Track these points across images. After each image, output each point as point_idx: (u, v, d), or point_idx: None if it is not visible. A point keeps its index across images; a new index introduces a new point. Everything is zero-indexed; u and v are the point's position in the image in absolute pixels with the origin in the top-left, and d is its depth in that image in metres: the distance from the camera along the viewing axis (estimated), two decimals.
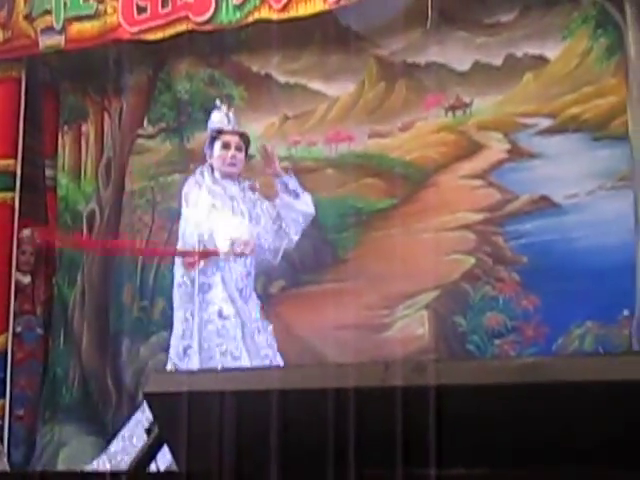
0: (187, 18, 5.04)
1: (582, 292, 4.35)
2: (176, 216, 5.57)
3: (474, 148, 4.88)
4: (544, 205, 4.64)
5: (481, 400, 1.49)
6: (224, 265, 3.87)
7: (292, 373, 1.61)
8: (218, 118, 4.13)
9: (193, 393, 1.59)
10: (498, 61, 4.85)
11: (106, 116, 5.86)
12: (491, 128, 4.85)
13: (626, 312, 4.34)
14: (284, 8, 4.84)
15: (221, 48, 5.46)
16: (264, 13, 4.90)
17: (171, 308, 5.60)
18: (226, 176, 3.99)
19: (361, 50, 5.15)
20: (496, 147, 4.83)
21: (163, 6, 5.12)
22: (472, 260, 4.76)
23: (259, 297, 4.19)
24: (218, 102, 4.23)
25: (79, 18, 5.39)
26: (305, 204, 4.13)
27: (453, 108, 4.94)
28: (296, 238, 4.16)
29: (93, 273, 5.73)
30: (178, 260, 4.05)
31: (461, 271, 4.77)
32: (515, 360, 1.90)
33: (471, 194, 4.86)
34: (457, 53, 4.93)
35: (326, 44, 5.22)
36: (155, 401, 1.68)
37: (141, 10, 5.18)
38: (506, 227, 4.73)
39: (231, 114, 4.15)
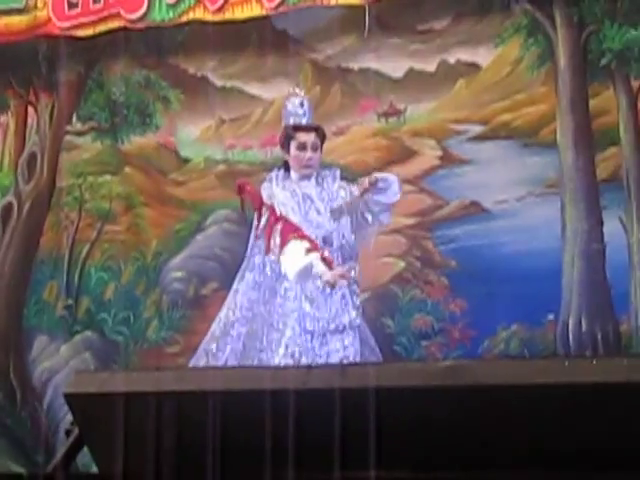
0: (119, 15, 4.98)
1: (509, 296, 4.41)
2: (105, 216, 5.51)
3: (407, 154, 4.92)
4: (474, 210, 4.71)
5: (405, 402, 1.50)
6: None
7: (212, 374, 1.60)
8: (292, 109, 3.67)
9: (113, 394, 1.57)
10: (431, 67, 4.90)
11: (31, 110, 5.74)
12: (424, 134, 4.91)
13: (551, 316, 4.43)
14: (219, 10, 4.82)
15: (157, 49, 5.41)
16: (199, 14, 4.87)
17: (98, 308, 5.52)
18: (303, 177, 3.78)
19: (297, 54, 5.16)
20: (428, 153, 4.88)
21: (95, 2, 5.06)
22: (402, 264, 4.80)
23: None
24: (292, 88, 3.78)
25: (7, 12, 5.30)
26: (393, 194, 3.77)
27: (386, 115, 4.99)
28: (386, 219, 3.84)
29: (6, 267, 5.63)
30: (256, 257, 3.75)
31: (391, 274, 4.80)
32: (437, 363, 1.92)
33: (403, 199, 4.89)
34: (391, 59, 4.96)
35: (262, 47, 5.21)
36: (75, 402, 1.65)
37: (72, 5, 5.10)
38: (436, 232, 4.78)
39: (306, 103, 3.66)
